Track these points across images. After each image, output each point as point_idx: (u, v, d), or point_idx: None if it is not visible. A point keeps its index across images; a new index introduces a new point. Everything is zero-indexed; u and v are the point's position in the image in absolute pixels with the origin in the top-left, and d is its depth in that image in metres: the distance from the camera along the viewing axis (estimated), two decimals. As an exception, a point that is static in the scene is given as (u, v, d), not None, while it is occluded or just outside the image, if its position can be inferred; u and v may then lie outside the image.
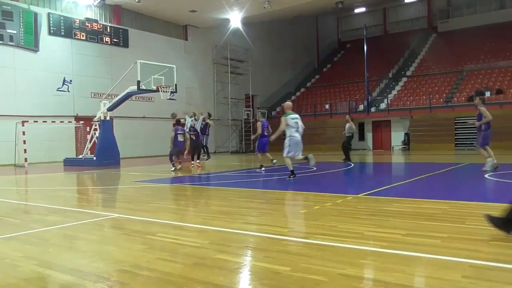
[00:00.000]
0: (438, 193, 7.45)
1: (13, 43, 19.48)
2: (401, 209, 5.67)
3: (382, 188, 8.20)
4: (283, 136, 9.83)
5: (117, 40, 23.77)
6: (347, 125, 15.97)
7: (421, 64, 32.62)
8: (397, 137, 26.96)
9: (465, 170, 12.04)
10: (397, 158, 19.16)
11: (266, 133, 12.45)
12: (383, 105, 28.17)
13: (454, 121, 24.29)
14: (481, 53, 30.07)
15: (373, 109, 27.86)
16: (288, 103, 10.26)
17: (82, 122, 20.48)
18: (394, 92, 29.98)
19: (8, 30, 19.27)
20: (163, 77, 15.97)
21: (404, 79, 31.45)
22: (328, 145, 26.41)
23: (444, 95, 26.71)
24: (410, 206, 5.96)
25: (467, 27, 34.24)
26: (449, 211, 5.47)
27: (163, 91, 15.90)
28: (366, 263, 3.40)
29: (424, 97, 26.78)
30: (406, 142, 26.09)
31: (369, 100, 27.97)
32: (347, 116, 16.97)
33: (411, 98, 27.57)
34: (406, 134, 26.33)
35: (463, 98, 25.32)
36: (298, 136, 9.62)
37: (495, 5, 34.89)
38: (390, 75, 32.64)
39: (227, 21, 27.27)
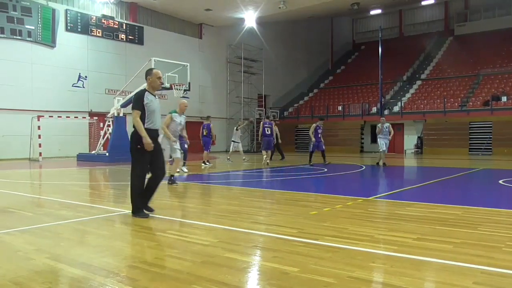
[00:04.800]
0: (451, 198, 7.36)
1: (31, 39, 19.76)
2: (412, 213, 5.62)
3: (394, 191, 8.14)
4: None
5: (133, 37, 23.97)
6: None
7: (437, 68, 32.23)
8: (410, 141, 26.70)
9: (479, 175, 11.87)
10: (410, 161, 18.97)
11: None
12: (396, 108, 27.93)
13: (468, 125, 23.98)
14: (498, 57, 29.60)
15: (386, 112, 27.64)
16: None
17: (96, 118, 20.71)
18: (408, 95, 29.69)
19: (27, 26, 19.56)
20: (176, 75, 16.08)
21: (419, 82, 31.11)
22: (340, 147, 26.29)
23: (459, 99, 26.36)
24: (422, 210, 5.89)
25: (484, 31, 33.71)
26: (462, 216, 5.40)
27: (177, 89, 15.99)
28: (376, 267, 3.37)
29: (438, 100, 26.46)
30: (419, 146, 25.83)
31: (383, 102, 27.75)
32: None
33: (425, 101, 27.27)
34: (419, 137, 26.06)
35: (478, 103, 24.97)
36: None
37: (514, 9, 34.32)
38: (405, 78, 32.33)
39: (241, 20, 27.31)
